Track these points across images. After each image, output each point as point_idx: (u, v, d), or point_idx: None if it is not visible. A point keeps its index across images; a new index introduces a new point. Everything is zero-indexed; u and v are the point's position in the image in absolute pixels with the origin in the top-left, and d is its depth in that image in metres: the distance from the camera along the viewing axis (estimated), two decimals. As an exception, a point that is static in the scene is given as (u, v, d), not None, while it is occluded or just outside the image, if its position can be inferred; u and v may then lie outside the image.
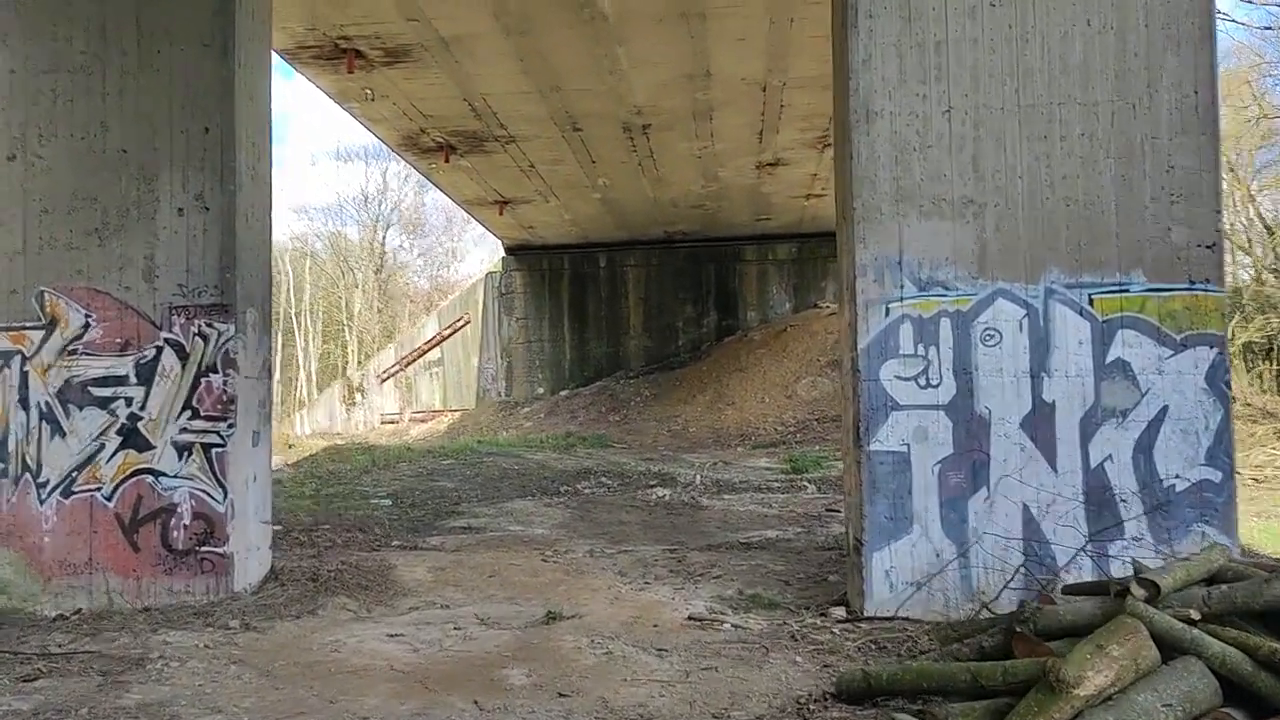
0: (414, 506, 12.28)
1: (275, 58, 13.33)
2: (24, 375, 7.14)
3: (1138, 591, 4.31)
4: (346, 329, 45.02)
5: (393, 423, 30.85)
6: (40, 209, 7.21)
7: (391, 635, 6.23)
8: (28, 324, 7.17)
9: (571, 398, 26.68)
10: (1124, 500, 6.30)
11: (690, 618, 6.60)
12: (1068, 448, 6.39)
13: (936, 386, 6.50)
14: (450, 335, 30.27)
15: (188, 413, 7.07)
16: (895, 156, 6.64)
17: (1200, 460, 6.31)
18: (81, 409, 7.10)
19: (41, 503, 7.06)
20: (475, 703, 4.95)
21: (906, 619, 6.19)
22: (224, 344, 7.09)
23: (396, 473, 15.58)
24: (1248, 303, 21.48)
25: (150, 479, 7.05)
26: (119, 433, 7.08)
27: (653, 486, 13.88)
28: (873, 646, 5.66)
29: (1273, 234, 23.23)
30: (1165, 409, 6.34)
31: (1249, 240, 24.08)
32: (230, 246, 7.15)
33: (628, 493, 13.38)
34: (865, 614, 6.37)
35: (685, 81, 14.78)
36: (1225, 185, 21.01)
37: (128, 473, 7.05)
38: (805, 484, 13.95)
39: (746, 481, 14.47)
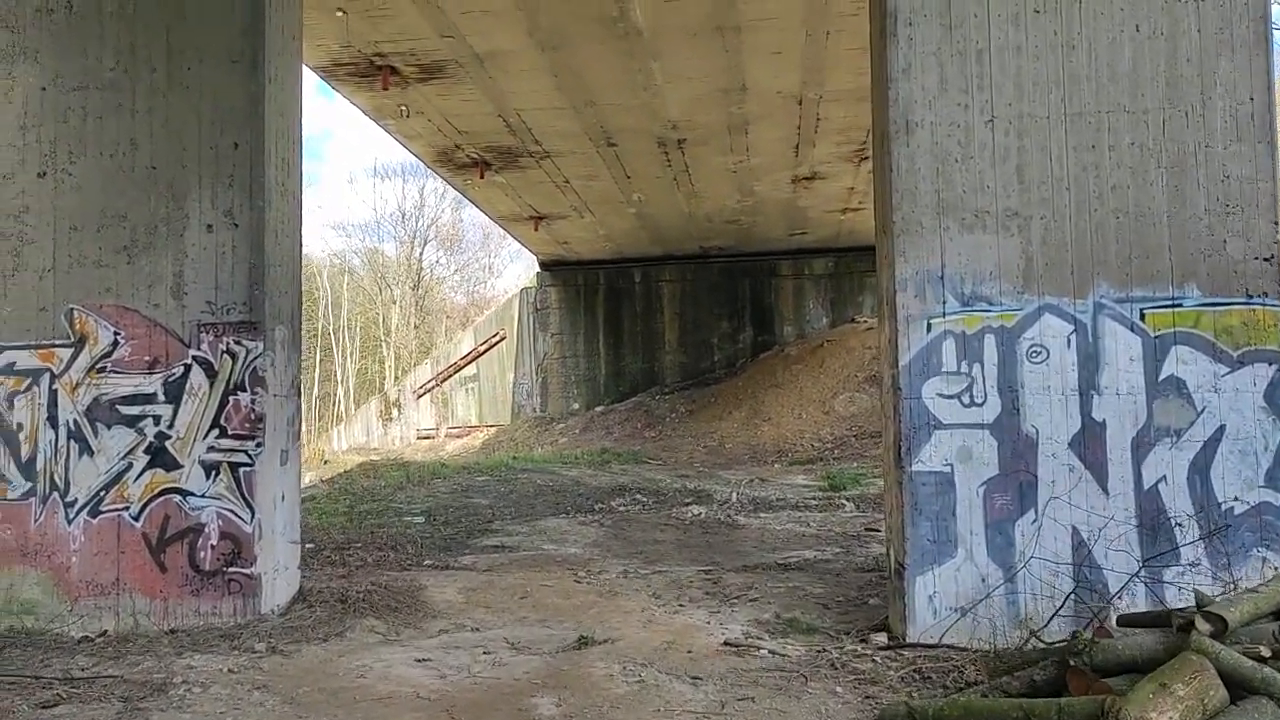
0: (447, 524, 12.16)
1: (312, 76, 13.37)
2: (53, 393, 7.08)
3: (1203, 626, 4.07)
4: (384, 345, 45.23)
5: (429, 438, 30.87)
6: (69, 226, 7.17)
7: (419, 660, 6.08)
8: (57, 342, 7.12)
9: (607, 413, 26.54)
10: (1179, 524, 6.04)
11: (726, 643, 6.40)
12: (1119, 469, 6.15)
13: (981, 405, 6.28)
14: (486, 351, 30.26)
15: (215, 431, 6.98)
16: (936, 168, 6.44)
17: (1260, 482, 6.04)
18: (109, 427, 7.03)
19: (69, 522, 6.99)
20: (503, 733, 4.79)
21: (951, 646, 5.96)
22: (252, 362, 7.00)
23: (430, 489, 15.48)
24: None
25: (178, 498, 6.96)
26: (146, 451, 7.00)
27: (688, 504, 13.68)
28: (916, 676, 5.43)
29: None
30: (1222, 428, 6.08)
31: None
32: (259, 263, 7.06)
33: (663, 510, 13.20)
34: (908, 640, 6.14)
35: (720, 95, 14.64)
36: None
37: (155, 492, 6.97)
38: (843, 502, 13.69)
39: (783, 499, 14.24)
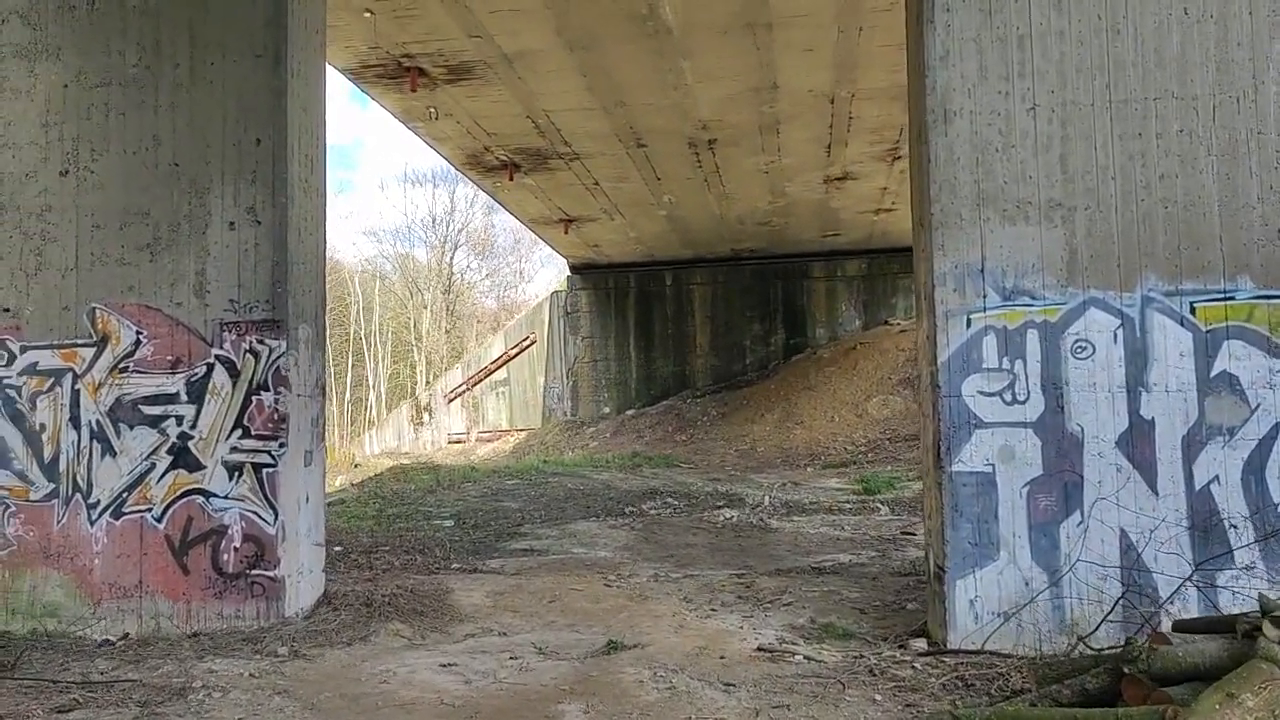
0: (476, 527, 12.02)
1: (345, 83, 13.31)
2: (75, 394, 7.00)
3: (1271, 632, 3.83)
4: (415, 349, 45.30)
5: (459, 442, 30.82)
6: (92, 224, 7.09)
7: (445, 665, 5.93)
8: (79, 341, 7.04)
9: (638, 417, 26.36)
10: (1234, 525, 5.78)
11: (760, 649, 6.20)
12: (1169, 468, 5.90)
13: (1024, 402, 6.05)
14: (516, 355, 30.18)
15: (238, 432, 6.87)
16: (976, 158, 6.22)
17: (1319, 482, 5.78)
18: (132, 428, 6.94)
19: (92, 523, 6.90)
20: (528, 742, 4.62)
21: (994, 653, 5.73)
22: (275, 361, 6.89)
23: (460, 493, 15.37)
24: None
25: (200, 500, 6.85)
26: (169, 452, 6.90)
27: (720, 507, 13.48)
28: (959, 684, 5.21)
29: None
30: (1277, 426, 5.83)
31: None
32: (282, 261, 6.95)
33: (694, 514, 13.00)
34: (948, 646, 5.92)
35: (751, 95, 14.45)
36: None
37: (178, 493, 6.86)
38: (878, 505, 13.44)
39: (817, 503, 14.00)
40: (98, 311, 7.05)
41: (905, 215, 22.19)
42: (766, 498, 14.46)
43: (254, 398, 6.88)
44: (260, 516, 6.81)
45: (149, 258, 7.04)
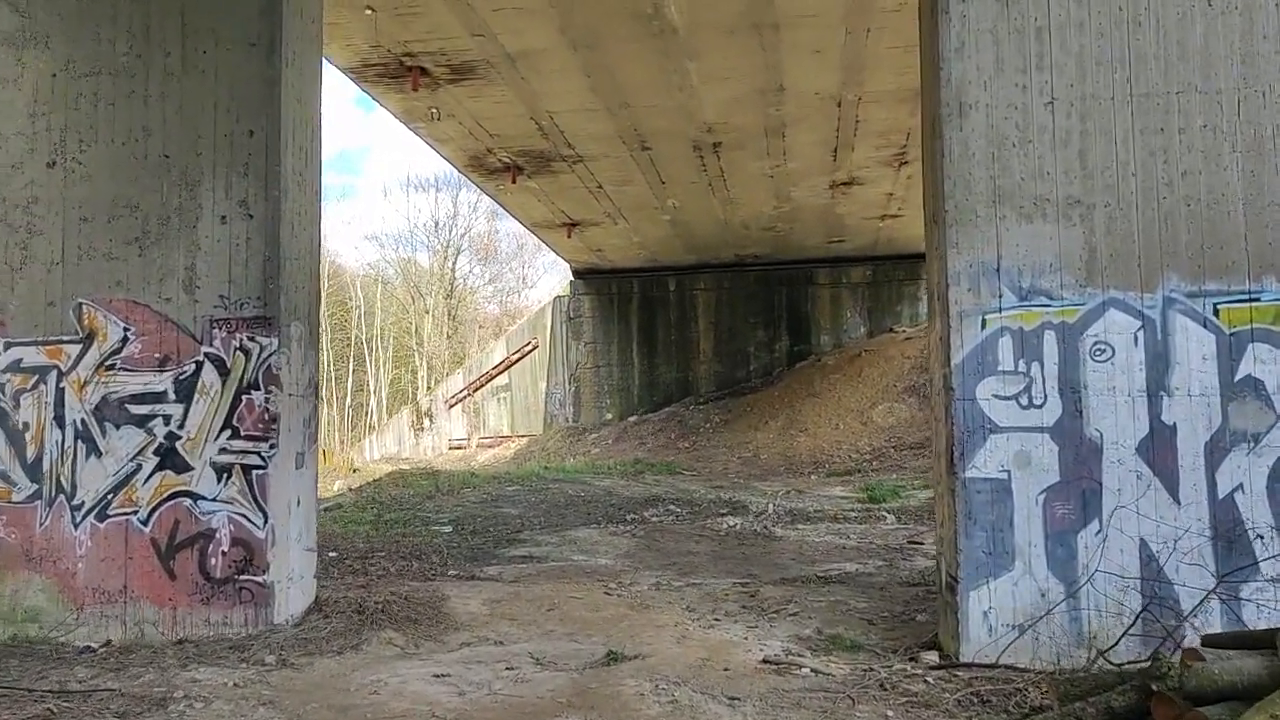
0: (474, 533, 11.81)
1: (347, 84, 13.12)
2: (60, 392, 6.78)
3: (1315, 648, 3.61)
4: (416, 354, 45.10)
5: (460, 448, 30.61)
6: (79, 217, 6.88)
7: (438, 675, 5.71)
8: (64, 338, 6.82)
9: (640, 423, 26.13)
10: (1259, 535, 5.56)
11: (765, 660, 5.98)
12: (1191, 476, 5.67)
13: (1040, 406, 5.83)
14: (518, 360, 29.97)
15: (228, 432, 6.65)
16: (992, 153, 6.01)
17: (1348, 491, 5.55)
18: (118, 427, 6.72)
19: (75, 526, 6.68)
20: (523, 757, 4.39)
21: (1010, 667, 5.50)
22: (266, 359, 6.67)
23: (460, 498, 15.16)
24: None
25: (188, 502, 6.63)
26: (156, 453, 6.68)
27: (723, 515, 13.25)
28: (975, 700, 4.97)
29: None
30: (1305, 433, 5.60)
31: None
32: (274, 256, 6.74)
33: (697, 521, 12.77)
34: (961, 660, 5.69)
35: (757, 97, 14.25)
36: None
37: (165, 495, 6.64)
38: (884, 514, 13.21)
39: (821, 511, 13.77)
40: (84, 307, 6.84)
41: (911, 221, 22.06)
42: (770, 505, 14.23)
43: (244, 397, 6.67)
44: (249, 520, 6.59)
45: (137, 252, 6.83)
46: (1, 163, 6.98)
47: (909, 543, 10.65)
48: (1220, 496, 5.64)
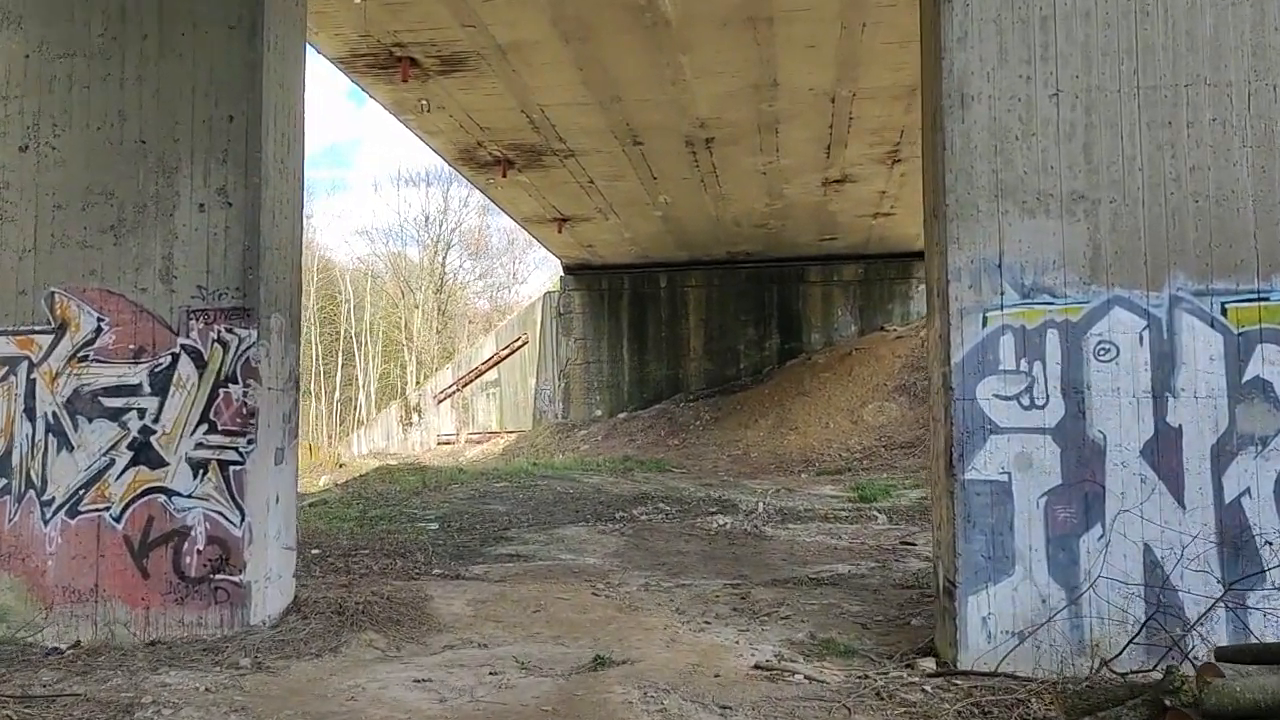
0: (461, 531, 11.61)
1: (338, 78, 12.90)
2: (31, 383, 6.56)
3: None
4: (406, 349, 44.86)
5: (449, 444, 30.41)
6: (53, 204, 6.66)
7: (419, 680, 5.52)
8: (36, 327, 6.60)
9: (630, 420, 25.94)
10: (1268, 542, 5.39)
11: (757, 666, 5.80)
12: (1197, 480, 5.50)
13: (1042, 407, 5.66)
14: (508, 356, 29.77)
15: (204, 426, 6.44)
16: (994, 146, 5.83)
17: (1359, 496, 5.39)
18: (91, 421, 6.50)
19: (45, 523, 6.46)
20: (505, 769, 4.21)
21: (1010, 676, 5.32)
22: (245, 351, 6.46)
23: (447, 495, 14.94)
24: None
25: (162, 498, 6.42)
26: (130, 447, 6.47)
27: (713, 514, 13.07)
28: (975, 710, 4.79)
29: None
30: (1315, 436, 5.43)
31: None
32: (254, 246, 6.53)
33: (686, 520, 12.58)
34: (959, 667, 5.51)
35: (751, 92, 14.07)
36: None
37: (138, 491, 6.43)
38: (875, 514, 13.03)
39: (812, 510, 13.60)
40: (57, 296, 6.62)
41: (904, 220, 21.92)
42: (760, 504, 14.05)
43: (221, 390, 6.46)
44: (225, 517, 6.38)
45: (112, 240, 6.61)
46: (-29, 146, 6.75)
47: (901, 543, 10.48)
48: (1227, 501, 5.48)
